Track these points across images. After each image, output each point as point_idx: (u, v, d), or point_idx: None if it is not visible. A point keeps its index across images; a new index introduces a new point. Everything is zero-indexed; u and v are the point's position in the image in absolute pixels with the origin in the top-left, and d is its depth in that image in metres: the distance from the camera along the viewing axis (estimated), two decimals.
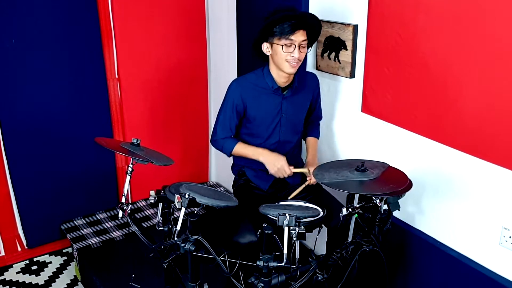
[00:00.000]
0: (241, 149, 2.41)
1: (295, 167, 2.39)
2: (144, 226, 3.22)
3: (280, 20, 2.18)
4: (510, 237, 1.98)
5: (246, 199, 2.41)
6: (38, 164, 3.17)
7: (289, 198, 2.35)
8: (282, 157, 2.36)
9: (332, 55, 2.57)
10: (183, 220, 1.88)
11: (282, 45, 2.19)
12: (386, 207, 1.99)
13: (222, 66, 3.58)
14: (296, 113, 2.46)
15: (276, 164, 2.34)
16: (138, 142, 2.20)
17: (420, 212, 2.37)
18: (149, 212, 3.52)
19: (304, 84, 2.46)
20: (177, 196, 1.88)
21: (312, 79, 2.53)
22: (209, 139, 2.50)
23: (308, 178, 2.40)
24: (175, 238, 1.89)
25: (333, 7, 2.54)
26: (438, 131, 2.16)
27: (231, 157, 2.54)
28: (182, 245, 1.86)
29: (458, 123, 2.05)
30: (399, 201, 2.01)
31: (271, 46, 2.25)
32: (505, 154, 1.92)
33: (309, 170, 2.39)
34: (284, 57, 2.21)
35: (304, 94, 2.48)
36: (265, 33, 2.24)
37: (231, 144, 2.41)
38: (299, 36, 2.19)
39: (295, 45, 2.19)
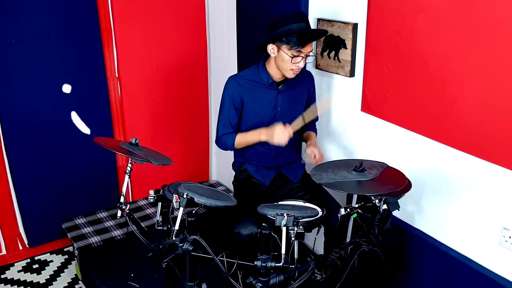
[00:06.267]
0: (241, 138, 2.41)
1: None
2: (144, 225, 3.27)
3: (293, 32, 2.19)
4: (510, 237, 1.97)
5: (247, 193, 2.42)
6: (38, 163, 3.17)
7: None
8: (277, 126, 2.30)
9: (332, 54, 2.56)
10: (181, 219, 1.88)
11: (291, 57, 2.22)
12: (386, 207, 1.99)
13: (223, 65, 3.58)
14: (292, 108, 2.47)
15: (278, 136, 2.27)
16: (136, 141, 2.20)
17: (420, 211, 2.37)
18: (150, 211, 3.52)
19: (300, 80, 2.47)
20: (175, 196, 1.88)
21: (307, 75, 2.55)
22: (214, 140, 2.53)
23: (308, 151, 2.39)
24: (173, 238, 1.89)
25: (332, 6, 2.52)
26: (437, 130, 2.15)
27: (232, 154, 2.57)
28: (180, 245, 1.86)
29: (458, 122, 2.04)
30: (399, 200, 2.00)
31: (278, 50, 2.25)
32: (505, 154, 1.90)
33: (303, 117, 2.37)
34: (290, 66, 2.25)
35: (299, 89, 2.49)
36: (273, 36, 2.24)
37: (231, 137, 2.42)
38: (308, 48, 2.23)
39: (302, 56, 2.22)
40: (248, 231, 2.17)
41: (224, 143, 2.45)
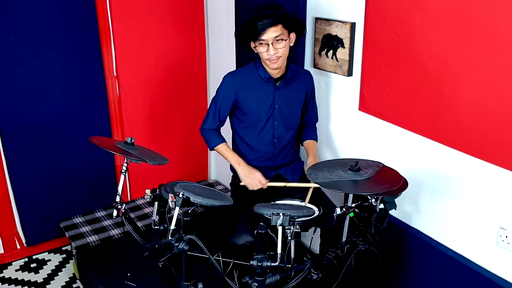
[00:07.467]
0: (223, 150, 2.48)
1: (271, 181, 2.41)
2: (142, 224, 3.27)
3: (249, 24, 2.22)
4: (506, 236, 1.97)
5: (244, 198, 2.41)
6: (36, 162, 3.17)
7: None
8: (258, 172, 2.39)
9: (330, 53, 2.56)
10: (177, 219, 1.87)
11: (256, 46, 2.26)
12: (382, 206, 1.98)
13: (221, 64, 3.57)
14: (289, 106, 2.46)
15: (250, 176, 2.37)
16: (132, 141, 2.19)
17: (417, 211, 2.36)
18: (148, 210, 3.52)
19: (298, 78, 2.47)
20: (171, 195, 1.88)
21: (306, 74, 2.55)
22: (200, 127, 2.55)
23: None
24: (169, 237, 1.89)
25: (330, 5, 2.52)
26: (435, 129, 2.14)
27: None
28: (176, 244, 1.86)
29: (455, 122, 2.04)
30: (396, 200, 2.00)
31: (254, 46, 2.31)
32: (502, 153, 1.90)
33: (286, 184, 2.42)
34: (263, 57, 2.28)
35: (297, 88, 2.48)
36: (247, 35, 2.28)
37: (216, 141, 2.48)
38: (270, 34, 2.21)
39: (268, 44, 2.22)
40: (242, 241, 2.19)
41: (207, 138, 2.50)
